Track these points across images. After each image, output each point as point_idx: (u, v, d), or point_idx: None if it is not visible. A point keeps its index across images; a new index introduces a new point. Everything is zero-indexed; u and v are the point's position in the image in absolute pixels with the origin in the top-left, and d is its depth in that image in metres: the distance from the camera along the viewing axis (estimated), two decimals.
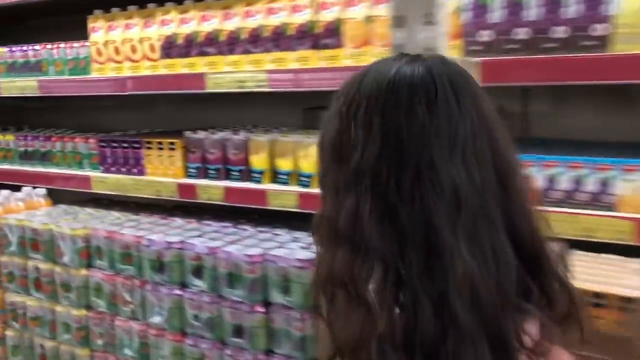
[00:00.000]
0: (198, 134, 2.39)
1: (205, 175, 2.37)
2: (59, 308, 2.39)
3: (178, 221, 2.40)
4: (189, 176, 2.39)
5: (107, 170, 2.60)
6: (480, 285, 0.82)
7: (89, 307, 2.33)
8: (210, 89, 2.23)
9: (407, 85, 0.88)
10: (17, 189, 2.86)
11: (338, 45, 2.00)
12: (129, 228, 2.27)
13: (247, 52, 2.19)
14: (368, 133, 0.88)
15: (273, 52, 2.13)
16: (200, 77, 2.24)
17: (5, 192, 2.69)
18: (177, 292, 2.06)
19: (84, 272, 2.31)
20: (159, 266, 2.08)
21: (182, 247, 2.05)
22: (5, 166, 2.99)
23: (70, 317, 2.35)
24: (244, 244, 2.02)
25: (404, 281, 0.84)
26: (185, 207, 2.61)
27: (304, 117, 2.73)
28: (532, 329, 0.87)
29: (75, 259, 2.32)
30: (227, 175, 2.30)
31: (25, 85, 2.75)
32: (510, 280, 0.85)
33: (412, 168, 0.85)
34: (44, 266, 2.42)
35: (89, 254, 2.32)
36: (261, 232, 2.22)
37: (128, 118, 3.28)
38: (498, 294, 0.83)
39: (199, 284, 2.02)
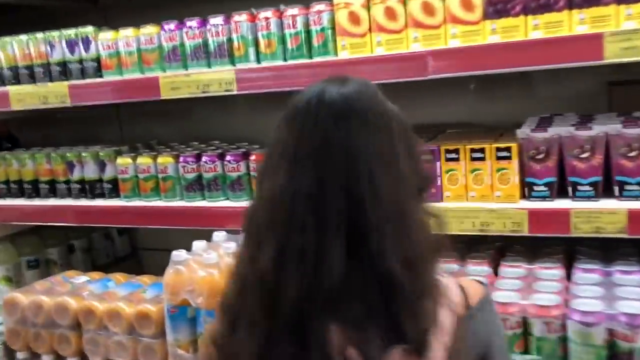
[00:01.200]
0: (540, 130, 1.58)
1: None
2: None
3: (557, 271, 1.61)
4: (533, 197, 1.59)
5: None
6: (276, 283, 0.89)
7: None
8: (611, 58, 1.42)
9: (291, 105, 0.98)
10: (169, 237, 1.94)
11: None
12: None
13: None
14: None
15: None
16: (594, 40, 1.43)
17: (201, 244, 1.74)
18: None
19: None
20: None
21: None
22: (158, 203, 2.02)
23: None
24: None
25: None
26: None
27: (610, 95, 1.98)
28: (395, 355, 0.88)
29: None
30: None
31: (211, 79, 1.80)
32: (329, 289, 0.87)
33: (263, 176, 0.98)
34: None
35: (525, 342, 1.50)
36: None
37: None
38: (306, 296, 0.87)
39: None
